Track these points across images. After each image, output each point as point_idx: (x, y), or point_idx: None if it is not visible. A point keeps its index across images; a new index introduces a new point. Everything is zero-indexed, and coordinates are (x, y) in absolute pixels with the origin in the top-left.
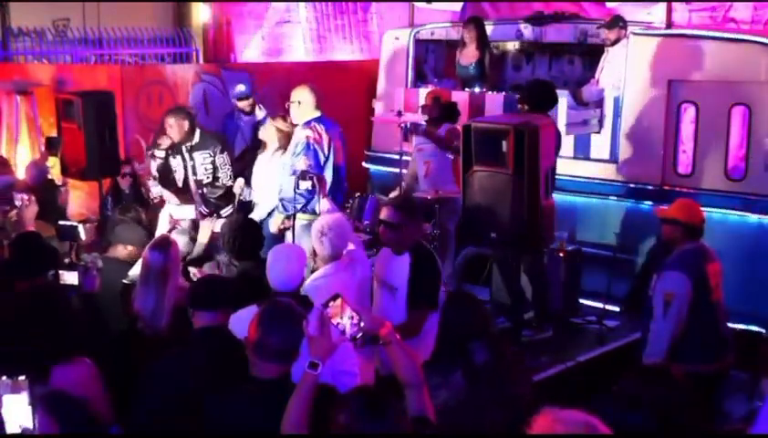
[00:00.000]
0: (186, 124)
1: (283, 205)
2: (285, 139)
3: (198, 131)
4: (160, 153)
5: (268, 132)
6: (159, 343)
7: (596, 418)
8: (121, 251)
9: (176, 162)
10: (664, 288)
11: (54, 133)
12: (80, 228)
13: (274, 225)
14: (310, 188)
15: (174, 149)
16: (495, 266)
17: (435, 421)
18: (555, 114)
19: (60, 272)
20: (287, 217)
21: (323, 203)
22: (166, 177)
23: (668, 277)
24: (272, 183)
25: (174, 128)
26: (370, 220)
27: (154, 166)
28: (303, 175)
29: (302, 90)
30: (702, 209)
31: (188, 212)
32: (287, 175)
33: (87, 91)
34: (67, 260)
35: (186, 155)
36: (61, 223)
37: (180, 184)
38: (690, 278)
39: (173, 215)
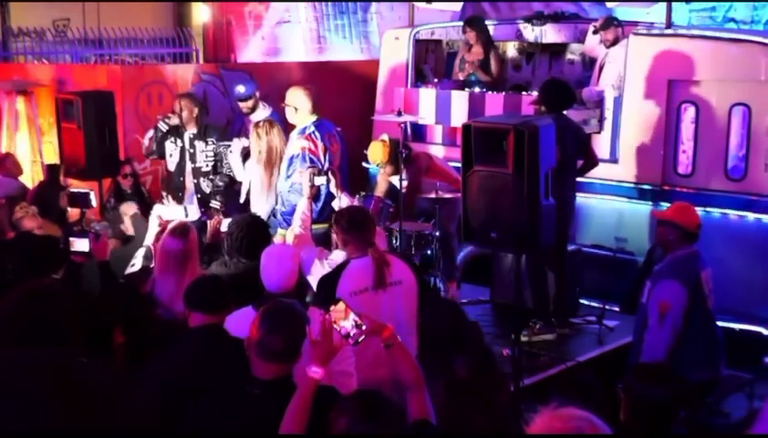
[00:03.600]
0: (196, 111)
1: (284, 219)
2: (266, 146)
3: (203, 123)
4: (163, 126)
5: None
6: (175, 327)
7: (594, 415)
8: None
9: (172, 147)
10: (660, 298)
11: (54, 133)
12: (92, 195)
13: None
14: (325, 183)
15: (176, 132)
16: (494, 265)
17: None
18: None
19: (71, 239)
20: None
21: (342, 199)
22: (159, 153)
23: (663, 287)
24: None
25: (185, 111)
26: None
27: (150, 134)
28: (318, 171)
29: (297, 94)
30: (702, 209)
31: (178, 212)
32: (285, 190)
33: (87, 91)
34: (77, 228)
35: (187, 142)
36: (73, 190)
37: (172, 168)
38: (686, 287)
39: (163, 216)
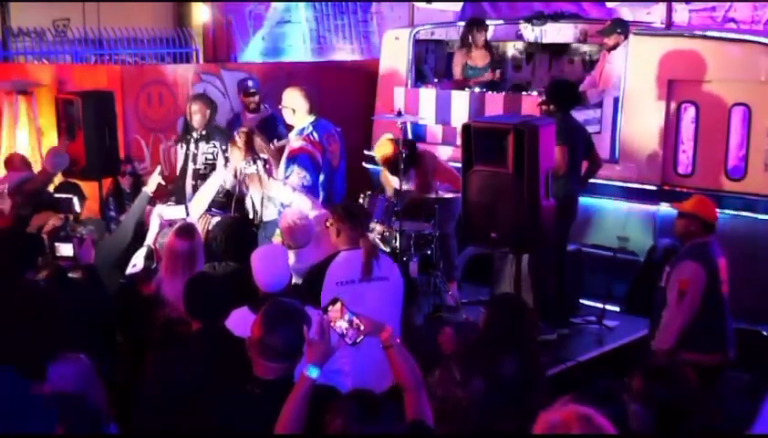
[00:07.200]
0: (208, 113)
1: None
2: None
3: (212, 124)
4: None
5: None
6: (183, 327)
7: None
8: None
9: (180, 152)
10: (680, 277)
11: (54, 133)
12: (75, 200)
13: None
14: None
15: (183, 138)
16: (494, 265)
17: (432, 425)
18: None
19: (56, 244)
20: None
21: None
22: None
23: (684, 267)
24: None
25: (198, 114)
26: (380, 218)
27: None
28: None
29: (294, 95)
30: None
31: (179, 212)
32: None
33: (87, 91)
34: (62, 233)
35: (192, 145)
36: (57, 195)
37: (177, 172)
38: (705, 269)
39: (164, 216)
